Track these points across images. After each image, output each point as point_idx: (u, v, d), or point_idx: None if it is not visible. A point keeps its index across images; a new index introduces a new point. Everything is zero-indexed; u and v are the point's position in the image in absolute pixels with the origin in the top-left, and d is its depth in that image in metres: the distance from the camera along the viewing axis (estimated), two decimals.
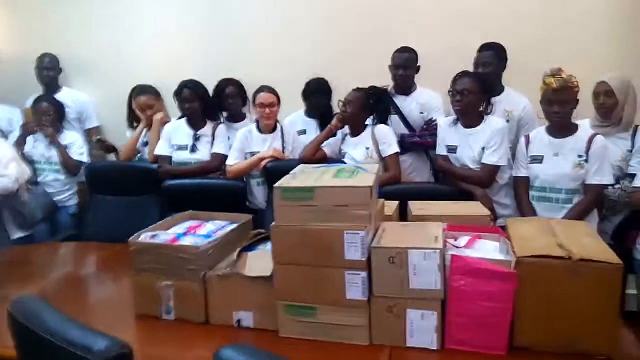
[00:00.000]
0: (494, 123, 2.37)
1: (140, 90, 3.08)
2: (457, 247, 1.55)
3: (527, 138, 2.31)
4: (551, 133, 2.22)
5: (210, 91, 2.97)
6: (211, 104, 2.93)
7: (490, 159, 2.33)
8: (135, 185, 2.92)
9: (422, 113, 2.84)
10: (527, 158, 2.28)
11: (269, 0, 3.37)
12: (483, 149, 2.35)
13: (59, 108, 3.25)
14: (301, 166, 1.77)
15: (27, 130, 3.11)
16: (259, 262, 1.62)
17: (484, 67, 2.65)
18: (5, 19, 3.78)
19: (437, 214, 1.79)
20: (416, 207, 1.89)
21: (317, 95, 2.94)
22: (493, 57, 2.65)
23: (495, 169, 2.34)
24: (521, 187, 2.29)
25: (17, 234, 2.78)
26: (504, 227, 1.67)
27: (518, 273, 1.37)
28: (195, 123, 2.89)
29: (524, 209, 2.25)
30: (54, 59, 3.50)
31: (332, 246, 1.44)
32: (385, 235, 1.54)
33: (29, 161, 3.10)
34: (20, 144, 3.10)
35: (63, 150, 3.15)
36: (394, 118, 2.87)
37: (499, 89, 2.66)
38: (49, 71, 3.46)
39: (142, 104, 3.05)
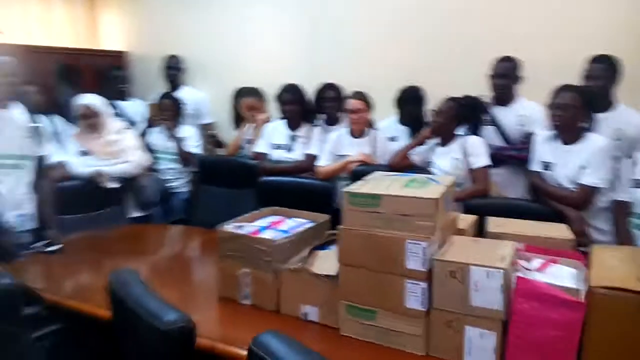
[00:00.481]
0: (595, 141, 2.21)
1: (245, 92, 3.35)
2: (528, 270, 1.50)
3: (634, 159, 2.12)
4: None
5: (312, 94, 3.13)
6: (309, 106, 3.08)
7: (588, 179, 2.18)
8: (236, 178, 3.18)
9: (521, 125, 2.72)
10: (630, 181, 2.09)
11: (372, 9, 3.44)
12: (581, 167, 2.20)
13: (179, 105, 3.63)
14: (377, 173, 1.83)
15: (150, 123, 3.52)
16: (328, 260, 1.71)
17: (594, 80, 2.46)
18: (135, 24, 4.32)
19: (515, 232, 1.73)
20: (495, 223, 1.85)
21: (409, 103, 2.96)
22: (605, 70, 2.45)
23: (592, 191, 2.18)
24: (621, 212, 2.11)
25: (135, 213, 3.17)
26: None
27: (588, 304, 1.30)
28: (293, 124, 3.07)
29: (621, 236, 2.07)
30: (179, 59, 3.92)
31: (395, 254, 1.48)
32: (451, 249, 1.54)
33: (150, 150, 3.53)
34: (144, 134, 3.52)
35: (179, 142, 3.52)
36: (490, 129, 2.79)
37: (607, 105, 2.46)
38: (174, 70, 3.88)
39: (247, 104, 3.31)
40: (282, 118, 3.12)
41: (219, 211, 3.13)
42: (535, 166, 2.42)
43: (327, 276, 1.65)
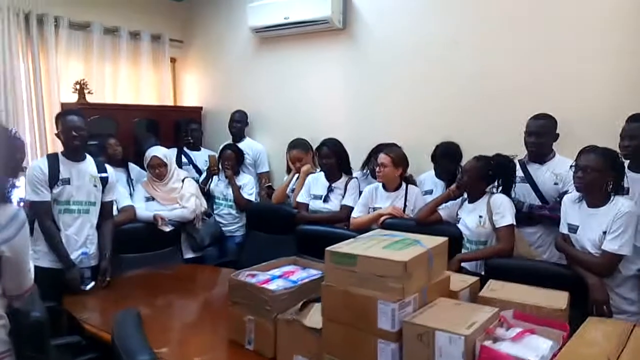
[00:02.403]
0: (620, 205, 2.10)
1: (293, 144, 3.59)
2: (501, 338, 1.49)
3: None
4: None
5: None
6: (345, 160, 3.24)
7: (610, 245, 2.06)
8: (279, 225, 3.40)
9: (556, 184, 2.64)
10: None
11: (415, 72, 3.55)
12: (604, 232, 2.10)
13: (239, 155, 3.96)
14: (375, 232, 1.92)
15: (210, 173, 3.89)
16: (320, 314, 1.81)
17: (631, 140, 2.36)
18: (209, 83, 4.82)
19: (506, 298, 1.72)
20: (491, 287, 1.84)
21: (444, 159, 3.00)
22: None
23: (615, 257, 2.06)
24: None
25: (189, 254, 3.48)
26: None
27: None
28: (331, 176, 3.24)
29: None
30: (243, 114, 4.30)
31: (368, 313, 1.56)
32: (428, 311, 1.58)
33: (211, 196, 3.88)
34: (205, 182, 3.89)
35: (237, 189, 3.82)
36: (525, 187, 2.73)
37: None
38: (238, 123, 4.26)
39: (293, 156, 3.55)
40: (321, 170, 3.30)
41: (263, 255, 3.34)
42: (563, 228, 2.34)
43: (315, 329, 1.75)
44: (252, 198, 3.86)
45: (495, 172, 2.57)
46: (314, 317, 1.80)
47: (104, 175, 2.90)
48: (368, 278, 1.57)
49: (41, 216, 2.66)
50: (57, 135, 2.81)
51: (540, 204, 2.67)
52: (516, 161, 2.75)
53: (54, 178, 2.68)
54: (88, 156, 2.87)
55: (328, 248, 1.69)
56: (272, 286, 2.02)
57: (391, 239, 1.78)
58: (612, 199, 2.15)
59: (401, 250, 1.63)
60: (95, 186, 2.84)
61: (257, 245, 3.54)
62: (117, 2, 4.32)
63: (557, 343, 1.44)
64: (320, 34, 3.89)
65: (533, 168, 2.73)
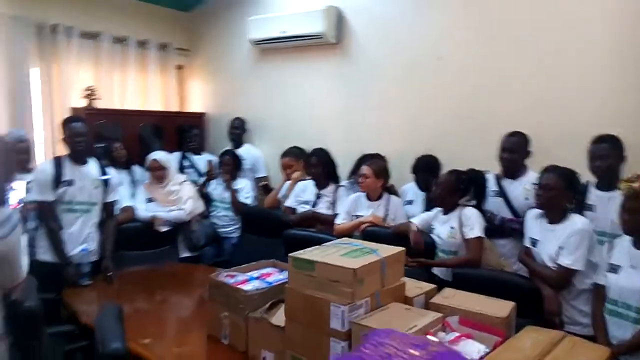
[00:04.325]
0: (574, 222, 2.23)
1: (285, 152, 3.78)
2: (439, 342, 1.65)
3: (612, 243, 2.12)
4: (634, 243, 2.01)
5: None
6: (333, 168, 3.41)
7: (564, 260, 2.20)
8: (270, 228, 3.57)
9: (527, 199, 2.77)
10: (607, 265, 2.09)
11: (399, 90, 3.73)
12: (560, 248, 2.24)
13: (237, 161, 4.14)
14: (337, 241, 2.09)
15: (208, 177, 4.10)
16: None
17: (601, 160, 2.48)
18: (212, 90, 5.03)
19: (454, 305, 1.87)
20: (444, 294, 1.99)
21: (423, 171, 3.15)
22: (609, 149, 2.46)
23: (569, 272, 2.19)
24: (597, 296, 2.10)
25: (185, 253, 3.69)
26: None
27: None
28: (320, 184, 3.41)
29: (594, 322, 2.06)
30: (242, 121, 4.50)
31: (322, 313, 1.73)
32: (377, 314, 1.74)
33: (209, 199, 4.08)
34: (203, 186, 4.10)
35: (234, 193, 4.01)
36: (499, 200, 2.87)
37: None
38: (237, 130, 4.46)
39: (285, 163, 3.73)
40: (310, 178, 3.48)
41: (255, 256, 3.52)
42: (526, 242, 2.48)
43: (279, 327, 1.93)
44: (249, 202, 4.04)
45: (466, 185, 2.72)
46: (279, 316, 1.97)
47: (105, 177, 3.12)
48: (324, 282, 1.74)
49: (44, 215, 2.89)
50: (63, 140, 3.04)
51: (512, 217, 2.81)
52: (489, 176, 2.90)
53: (58, 180, 2.90)
54: (91, 159, 3.09)
55: (291, 254, 1.87)
56: (248, 286, 2.20)
57: (351, 247, 1.94)
58: (568, 216, 2.28)
59: (356, 258, 1.79)
60: (97, 187, 3.06)
61: (250, 246, 3.72)
62: (126, 12, 4.55)
63: (489, 348, 1.59)
64: (315, 47, 4.07)
65: (507, 183, 2.87)
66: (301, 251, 1.91)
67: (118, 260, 3.21)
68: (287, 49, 4.25)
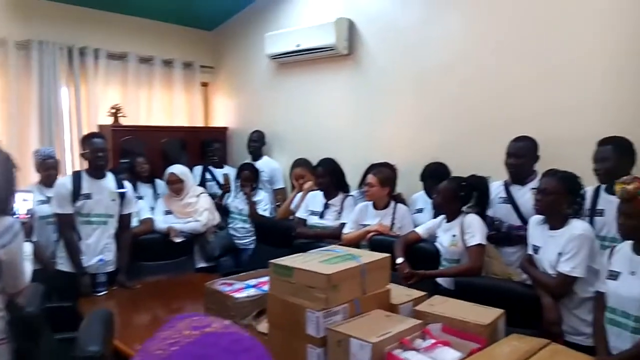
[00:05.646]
0: (574, 228, 2.14)
1: (296, 163, 3.82)
2: (415, 349, 1.62)
3: (612, 249, 2.01)
4: (634, 248, 1.90)
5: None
6: (341, 178, 3.42)
7: (563, 267, 2.11)
8: (282, 239, 3.61)
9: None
10: (607, 271, 1.98)
11: (408, 100, 3.71)
12: (559, 254, 2.14)
13: (256, 174, 4.22)
14: (322, 248, 2.10)
15: (224, 190, 4.20)
16: None
17: (602, 163, 2.38)
18: (235, 105, 5.17)
19: (437, 313, 1.83)
20: (431, 302, 1.95)
21: (431, 179, 3.10)
22: (611, 151, 2.36)
23: (568, 279, 2.09)
24: (598, 304, 1.99)
25: (201, 264, 3.78)
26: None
27: None
28: (327, 194, 3.43)
29: (595, 331, 1.95)
30: (260, 134, 4.59)
31: (300, 319, 1.74)
32: (356, 321, 1.73)
33: (227, 211, 4.17)
34: (220, 198, 4.20)
35: (252, 205, 4.08)
36: (507, 207, 2.79)
37: None
38: (255, 143, 4.55)
39: (296, 174, 3.78)
40: (318, 188, 3.50)
41: (267, 266, 3.61)
42: (529, 249, 2.39)
43: (264, 334, 1.95)
44: (267, 213, 4.11)
45: (467, 192, 2.65)
46: (266, 323, 2.00)
47: (122, 190, 3.26)
48: (301, 288, 1.76)
49: (63, 227, 3.05)
50: (82, 155, 3.21)
51: (520, 224, 2.72)
52: (497, 183, 2.83)
53: (76, 193, 3.06)
54: (109, 173, 3.24)
55: (271, 260, 1.89)
56: (242, 294, 2.24)
57: (333, 254, 1.95)
58: (569, 221, 2.19)
59: (333, 265, 1.80)
60: (114, 200, 3.20)
61: (264, 257, 3.76)
62: (151, 33, 4.77)
63: (463, 355, 1.55)
64: (328, 59, 4.11)
65: (515, 189, 2.79)
66: (283, 258, 1.93)
67: (136, 270, 3.34)
68: (302, 62, 4.32)
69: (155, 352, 0.61)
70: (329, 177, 3.39)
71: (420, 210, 3.23)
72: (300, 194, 3.77)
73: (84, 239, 3.09)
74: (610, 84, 2.79)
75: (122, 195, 3.26)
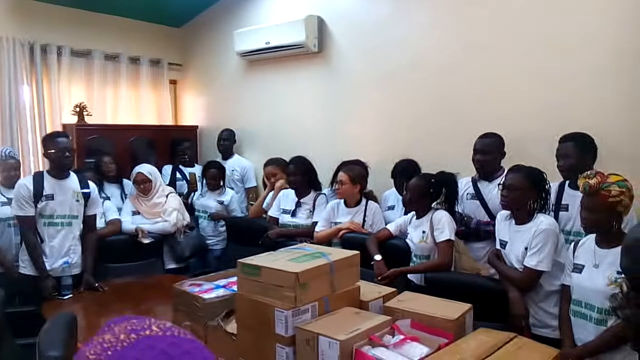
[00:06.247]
0: (540, 222, 2.18)
1: (268, 161, 3.79)
2: (384, 345, 1.62)
3: (576, 243, 2.05)
4: (597, 241, 1.94)
5: None
6: (313, 177, 3.41)
7: (529, 261, 2.14)
8: (254, 238, 3.56)
9: None
10: (571, 265, 2.03)
11: (380, 96, 3.72)
12: (526, 248, 2.18)
13: (222, 172, 4.15)
14: (291, 247, 2.08)
15: (190, 189, 4.14)
16: None
17: (564, 159, 2.44)
18: (204, 103, 5.10)
19: (407, 308, 1.84)
20: (400, 298, 1.96)
21: (401, 175, 3.12)
22: (572, 148, 2.41)
23: (534, 273, 2.13)
24: (564, 297, 2.04)
25: (171, 265, 3.71)
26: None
27: None
28: (299, 192, 3.41)
29: (561, 323, 2.00)
30: (230, 133, 4.53)
31: (268, 319, 1.71)
32: (325, 319, 1.72)
33: (193, 209, 4.10)
34: (186, 197, 4.13)
35: (220, 204, 4.04)
36: (475, 203, 2.83)
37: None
38: (226, 141, 4.49)
39: (268, 172, 3.75)
40: (290, 187, 3.48)
41: None
42: (497, 244, 2.43)
43: (233, 334, 1.92)
44: (237, 213, 4.06)
45: (437, 189, 2.68)
46: (234, 324, 1.97)
47: (86, 190, 3.16)
48: (269, 288, 1.73)
49: (24, 229, 2.94)
50: (45, 155, 3.10)
51: (488, 220, 2.76)
52: (466, 179, 2.86)
53: (38, 194, 2.95)
54: (72, 173, 3.14)
55: (239, 260, 1.86)
56: (212, 295, 2.20)
57: (302, 252, 1.93)
58: (535, 216, 2.23)
59: (302, 263, 1.78)
60: (78, 201, 3.10)
61: (235, 256, 3.71)
62: (117, 30, 4.65)
63: (431, 350, 1.56)
64: (298, 57, 4.09)
65: (482, 185, 2.83)
66: (252, 257, 1.90)
67: (104, 273, 3.25)
68: (272, 60, 4.29)
69: (89, 358, 0.58)
70: (300, 175, 3.37)
71: (391, 208, 3.25)
72: (272, 192, 3.74)
73: (48, 241, 2.99)
74: (576, 83, 2.85)
75: (87, 196, 3.17)
